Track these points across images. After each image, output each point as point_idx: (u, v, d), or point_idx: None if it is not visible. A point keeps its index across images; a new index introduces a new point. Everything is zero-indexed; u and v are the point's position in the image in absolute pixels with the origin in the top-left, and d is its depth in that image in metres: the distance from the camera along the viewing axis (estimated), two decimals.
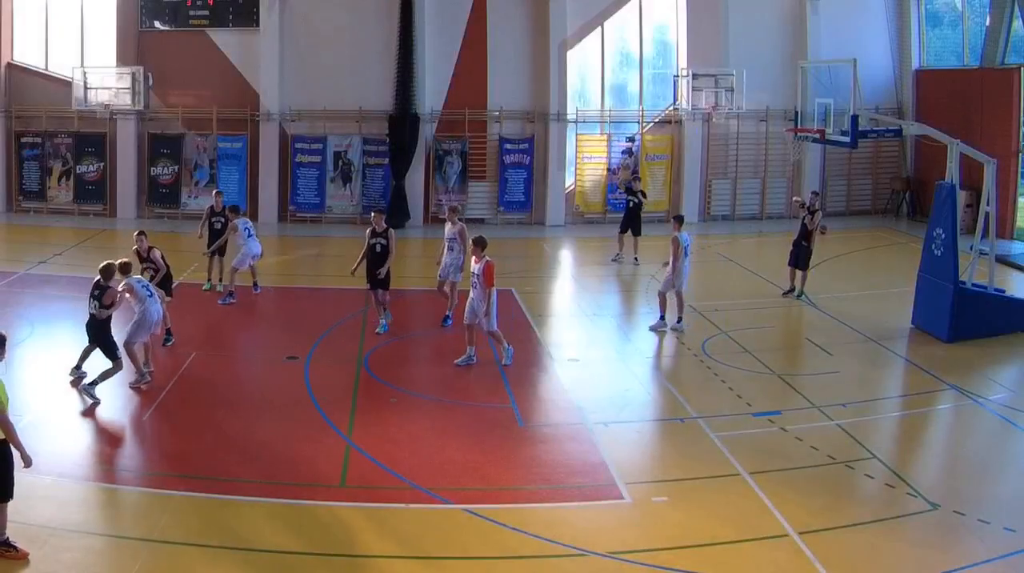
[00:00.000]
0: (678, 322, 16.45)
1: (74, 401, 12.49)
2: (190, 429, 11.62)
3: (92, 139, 26.85)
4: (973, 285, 16.09)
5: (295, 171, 26.81)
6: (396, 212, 26.08)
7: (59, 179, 27.09)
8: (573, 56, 27.24)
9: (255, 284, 18.33)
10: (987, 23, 25.54)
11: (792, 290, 18.30)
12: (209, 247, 18.20)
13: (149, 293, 13.23)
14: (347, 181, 26.85)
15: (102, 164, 26.95)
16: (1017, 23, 24.65)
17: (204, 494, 9.81)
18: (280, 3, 26.34)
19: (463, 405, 12.79)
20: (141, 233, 15.37)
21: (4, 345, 8.58)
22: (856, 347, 15.58)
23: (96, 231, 25.07)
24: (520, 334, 16.11)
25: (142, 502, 9.68)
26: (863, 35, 27.38)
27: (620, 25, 27.83)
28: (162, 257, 15.11)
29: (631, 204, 22.16)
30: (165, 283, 15.14)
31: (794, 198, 20.77)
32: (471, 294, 14.13)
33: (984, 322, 15.81)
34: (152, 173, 26.94)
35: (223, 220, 18.13)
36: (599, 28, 27.56)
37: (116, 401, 12.74)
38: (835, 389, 13.50)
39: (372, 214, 16.38)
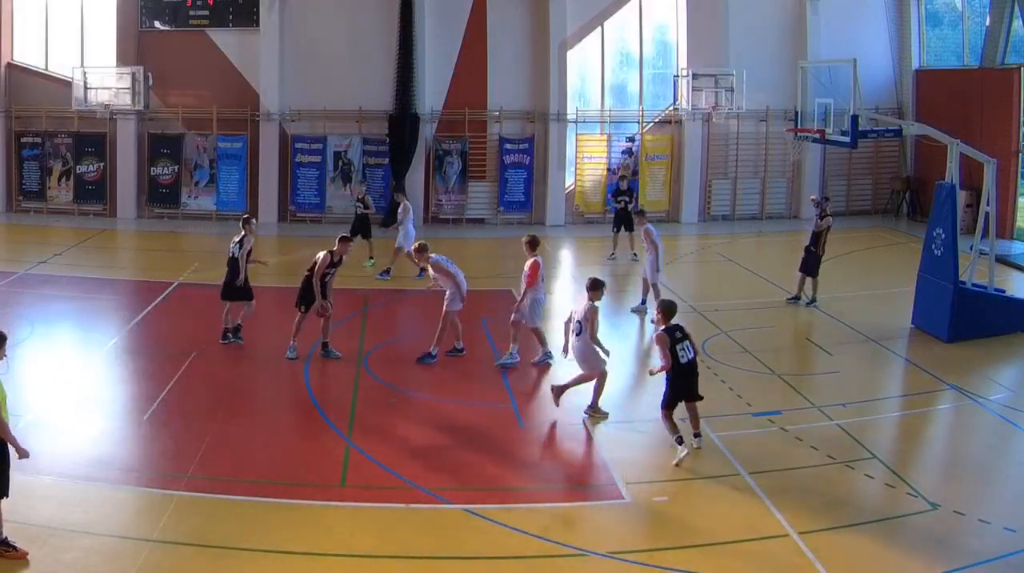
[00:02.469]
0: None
1: (73, 401, 12.46)
2: (190, 429, 11.61)
3: (92, 139, 26.84)
4: (973, 285, 16.08)
5: (295, 171, 26.81)
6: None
7: (59, 179, 27.07)
8: (573, 56, 27.22)
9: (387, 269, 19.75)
10: (987, 23, 25.53)
11: (797, 298, 17.96)
12: (352, 231, 20.03)
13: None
14: (347, 181, 26.84)
15: (102, 164, 26.94)
16: (1017, 23, 24.64)
17: (204, 494, 9.80)
18: (280, 3, 26.34)
19: (463, 405, 12.79)
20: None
21: (3, 343, 8.57)
22: (856, 347, 15.57)
23: (96, 231, 25.07)
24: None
25: (142, 502, 9.68)
26: (863, 35, 27.37)
27: (620, 25, 27.81)
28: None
29: (623, 204, 22.33)
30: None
31: (811, 196, 21.00)
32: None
33: (984, 322, 15.80)
34: (152, 173, 26.93)
35: (363, 206, 20.87)
36: (599, 28, 27.53)
37: (116, 401, 12.75)
38: (835, 389, 13.50)
39: (338, 240, 14.67)
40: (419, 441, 11.47)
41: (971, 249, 16.31)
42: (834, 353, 15.23)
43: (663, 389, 10.95)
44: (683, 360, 10.73)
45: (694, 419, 10.96)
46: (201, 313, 17.48)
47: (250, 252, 15.00)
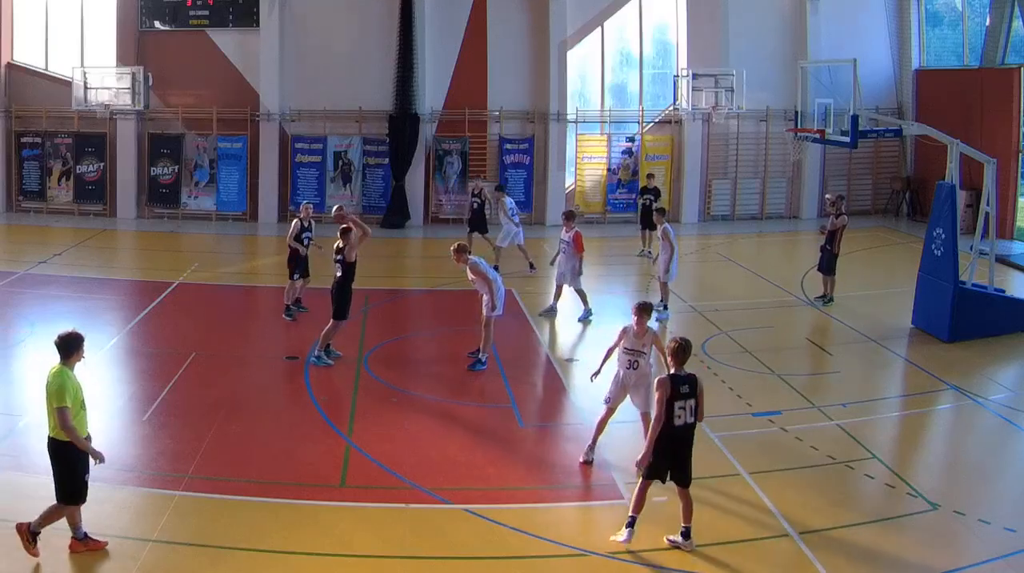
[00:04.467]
0: (663, 309, 17.05)
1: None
2: (190, 429, 11.60)
3: (92, 139, 26.85)
4: (973, 285, 16.09)
5: (295, 171, 26.82)
6: (396, 212, 26.12)
7: (59, 179, 27.08)
8: (573, 56, 27.23)
9: (530, 265, 20.55)
10: (987, 23, 25.55)
11: (823, 296, 18.11)
12: (470, 226, 21.61)
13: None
14: (347, 181, 26.85)
15: (102, 164, 26.95)
16: (1017, 23, 24.65)
17: (204, 494, 9.81)
18: (280, 3, 26.35)
19: (463, 405, 12.79)
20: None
21: (82, 344, 8.43)
22: (856, 347, 15.58)
23: (96, 231, 25.07)
24: (520, 334, 16.14)
25: (142, 502, 9.68)
26: (863, 35, 27.37)
27: (620, 25, 27.83)
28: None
29: (649, 202, 22.41)
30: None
31: (826, 195, 21.23)
32: (560, 258, 16.96)
33: (984, 322, 15.80)
34: (152, 173, 26.94)
35: (479, 201, 21.66)
36: (599, 28, 27.56)
37: (116, 401, 12.74)
38: (835, 389, 13.51)
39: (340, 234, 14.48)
40: (419, 441, 11.46)
41: (971, 249, 16.31)
42: (834, 353, 15.25)
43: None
44: (677, 421, 8.67)
45: (687, 510, 8.87)
46: (201, 313, 17.52)
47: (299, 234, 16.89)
